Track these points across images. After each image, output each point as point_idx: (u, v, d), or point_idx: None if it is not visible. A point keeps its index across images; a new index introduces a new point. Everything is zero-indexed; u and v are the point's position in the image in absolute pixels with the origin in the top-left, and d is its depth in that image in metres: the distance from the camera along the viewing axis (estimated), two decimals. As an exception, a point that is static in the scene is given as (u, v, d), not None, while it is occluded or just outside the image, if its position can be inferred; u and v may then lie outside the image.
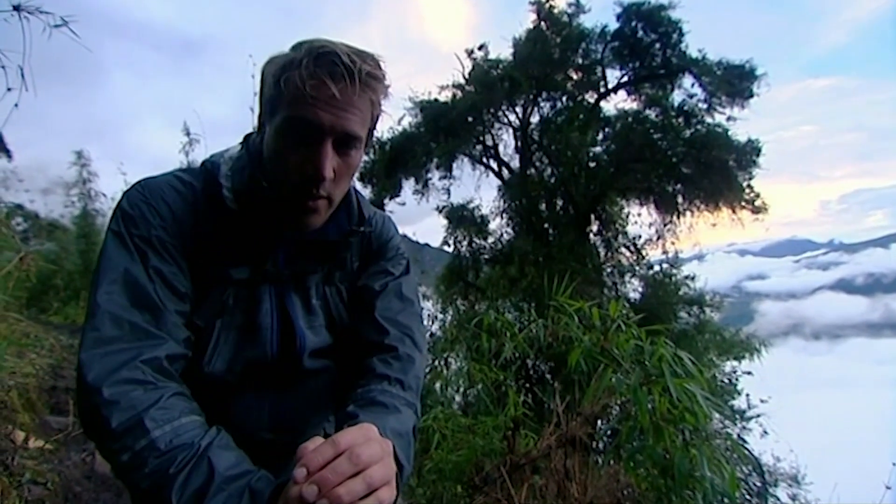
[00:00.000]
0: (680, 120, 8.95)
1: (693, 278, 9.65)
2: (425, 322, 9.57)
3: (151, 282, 0.71)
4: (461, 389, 3.58)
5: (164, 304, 0.71)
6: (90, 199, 6.52)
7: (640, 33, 8.99)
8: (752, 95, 8.68)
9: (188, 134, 5.52)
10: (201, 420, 0.67)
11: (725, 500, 1.92)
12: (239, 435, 0.74)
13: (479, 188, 10.73)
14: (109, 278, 0.70)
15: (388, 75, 0.74)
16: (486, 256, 10.45)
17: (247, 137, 0.83)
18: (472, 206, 10.61)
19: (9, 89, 2.11)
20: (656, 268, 9.94)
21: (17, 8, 2.06)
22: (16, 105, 2.12)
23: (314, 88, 0.68)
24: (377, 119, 0.78)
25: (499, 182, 10.73)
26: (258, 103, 0.78)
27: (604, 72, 9.76)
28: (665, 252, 9.94)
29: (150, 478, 0.59)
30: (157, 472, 0.59)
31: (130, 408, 0.62)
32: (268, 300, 0.81)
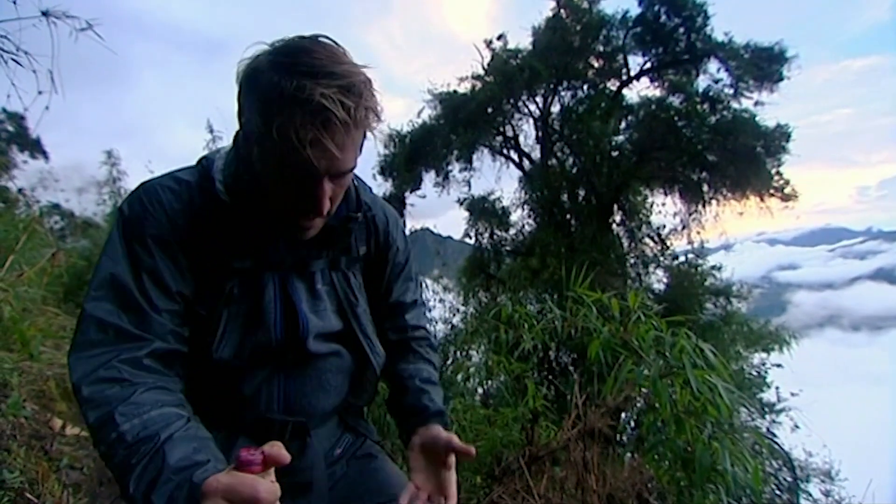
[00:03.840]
0: (705, 106, 8.68)
1: (719, 268, 9.40)
2: (446, 314, 9.61)
3: (139, 284, 0.73)
4: (480, 381, 3.59)
5: (152, 305, 0.73)
6: (120, 197, 6.74)
7: (663, 18, 8.73)
8: (781, 79, 8.35)
9: (211, 131, 5.65)
10: (174, 411, 0.69)
11: (750, 494, 1.88)
12: (252, 417, 0.77)
13: (499, 180, 10.70)
14: (97, 284, 0.73)
15: (380, 97, 0.71)
16: (508, 248, 10.40)
17: (237, 134, 0.83)
18: (493, 197, 10.58)
19: (40, 92, 2.19)
20: (681, 258, 9.73)
21: (45, 13, 2.13)
22: (46, 108, 2.20)
23: (309, 142, 0.66)
24: (373, 129, 0.75)
25: (520, 173, 10.66)
26: (236, 100, 0.76)
27: (626, 59, 9.54)
28: (690, 242, 9.73)
29: (118, 468, 0.63)
30: (122, 462, 0.63)
31: (105, 404, 0.66)
32: (272, 287, 0.83)
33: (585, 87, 9.92)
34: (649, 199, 10.14)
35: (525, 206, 10.38)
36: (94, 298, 0.72)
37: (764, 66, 8.32)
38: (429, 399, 0.95)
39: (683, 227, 9.80)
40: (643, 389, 2.23)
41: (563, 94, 10.13)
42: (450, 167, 10.63)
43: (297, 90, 0.64)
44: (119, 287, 0.72)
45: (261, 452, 0.57)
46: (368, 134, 0.76)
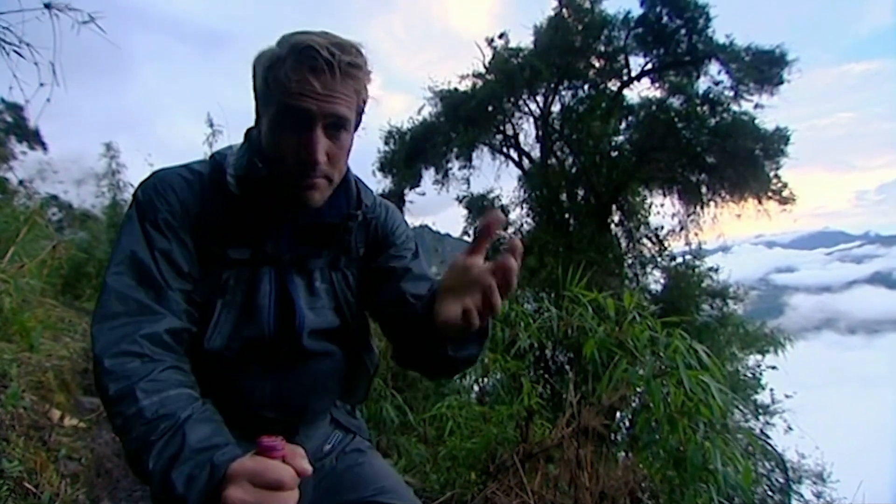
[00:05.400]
0: (705, 108, 8.69)
1: (716, 270, 9.44)
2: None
3: (156, 262, 0.76)
4: (476, 378, 3.61)
5: (167, 283, 0.76)
6: (119, 189, 6.76)
7: (665, 19, 8.72)
8: (781, 82, 8.36)
9: (211, 125, 5.65)
10: (189, 392, 0.71)
11: (741, 493, 1.91)
12: (243, 411, 0.79)
13: (499, 178, 10.71)
14: (118, 259, 0.76)
15: (369, 61, 0.79)
16: (506, 247, 10.39)
17: (248, 130, 0.89)
18: (492, 195, 10.58)
19: (41, 84, 2.20)
20: (679, 259, 9.76)
21: (47, 6, 2.14)
22: (48, 100, 2.21)
23: (298, 84, 0.73)
24: (364, 103, 0.83)
25: (519, 172, 10.67)
26: (252, 97, 0.83)
27: (627, 59, 9.53)
28: (688, 243, 9.75)
29: (135, 442, 0.64)
30: (141, 437, 0.64)
31: (125, 378, 0.68)
32: (267, 281, 0.85)
33: (586, 86, 9.92)
34: (648, 200, 10.17)
35: (524, 205, 10.41)
36: (115, 273, 0.75)
37: (764, 68, 8.33)
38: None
39: (681, 229, 9.83)
40: (638, 389, 2.25)
41: (563, 93, 10.13)
42: (449, 165, 10.64)
43: (294, 44, 0.74)
44: (138, 263, 0.76)
45: (282, 440, 0.59)
46: (363, 103, 0.82)
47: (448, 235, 12.49)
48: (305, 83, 0.73)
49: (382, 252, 0.97)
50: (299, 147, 0.76)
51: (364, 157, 10.94)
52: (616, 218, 10.11)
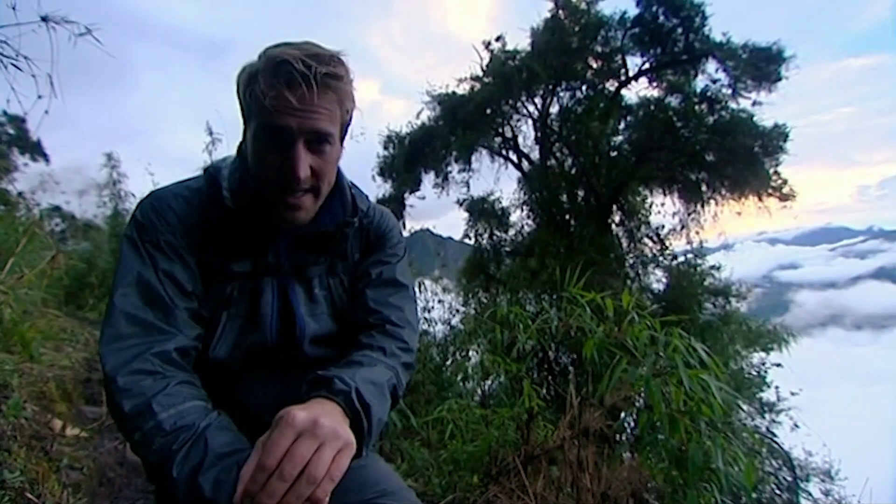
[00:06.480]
0: (703, 106, 8.68)
1: (718, 268, 9.41)
2: (446, 315, 9.61)
3: (161, 283, 0.78)
4: (477, 381, 3.60)
5: (173, 303, 0.77)
6: (120, 199, 6.79)
7: (662, 18, 8.72)
8: (779, 79, 8.34)
9: (210, 133, 5.68)
10: (204, 405, 0.73)
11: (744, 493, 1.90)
12: (247, 417, 0.79)
13: (498, 180, 10.73)
14: (125, 281, 0.77)
15: (351, 70, 0.78)
16: (507, 249, 10.41)
17: (240, 144, 0.89)
18: (492, 198, 10.60)
19: (39, 97, 2.21)
20: (680, 258, 9.73)
21: (44, 19, 2.16)
22: (46, 112, 2.22)
23: (274, 99, 0.73)
24: (350, 113, 0.82)
25: (519, 174, 10.67)
26: (239, 111, 0.83)
27: (624, 59, 9.52)
28: (689, 242, 9.73)
29: (156, 454, 0.66)
30: (162, 449, 0.66)
31: (140, 394, 0.69)
32: (270, 291, 0.87)
33: (584, 87, 9.91)
34: (648, 200, 10.17)
35: (524, 207, 10.42)
36: (122, 294, 0.76)
37: (762, 66, 8.32)
38: (332, 372, 0.76)
39: (682, 227, 9.81)
40: (639, 389, 2.24)
41: (561, 94, 10.14)
42: (449, 168, 10.67)
43: (268, 59, 0.74)
44: (144, 284, 0.77)
45: None
46: (347, 113, 0.81)
47: (450, 238, 12.48)
48: (282, 99, 0.73)
49: (372, 255, 0.99)
50: (281, 165, 0.76)
51: (364, 161, 11.01)
52: (617, 218, 10.10)
